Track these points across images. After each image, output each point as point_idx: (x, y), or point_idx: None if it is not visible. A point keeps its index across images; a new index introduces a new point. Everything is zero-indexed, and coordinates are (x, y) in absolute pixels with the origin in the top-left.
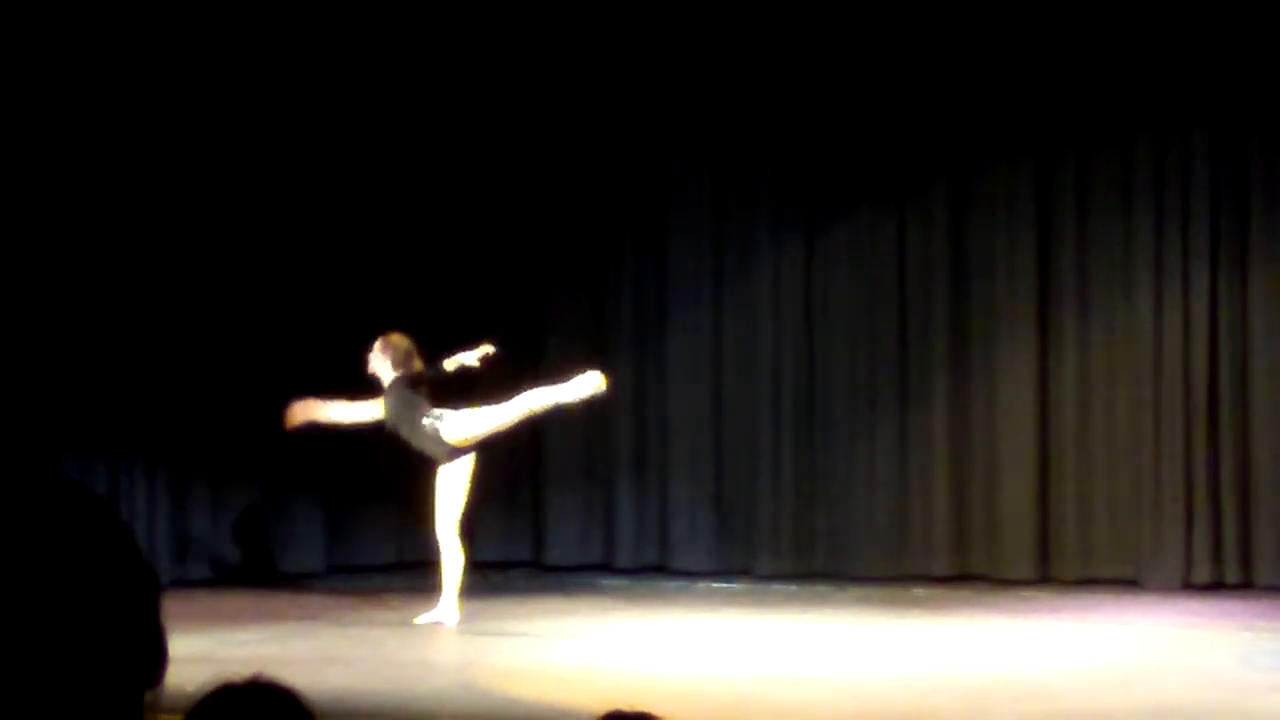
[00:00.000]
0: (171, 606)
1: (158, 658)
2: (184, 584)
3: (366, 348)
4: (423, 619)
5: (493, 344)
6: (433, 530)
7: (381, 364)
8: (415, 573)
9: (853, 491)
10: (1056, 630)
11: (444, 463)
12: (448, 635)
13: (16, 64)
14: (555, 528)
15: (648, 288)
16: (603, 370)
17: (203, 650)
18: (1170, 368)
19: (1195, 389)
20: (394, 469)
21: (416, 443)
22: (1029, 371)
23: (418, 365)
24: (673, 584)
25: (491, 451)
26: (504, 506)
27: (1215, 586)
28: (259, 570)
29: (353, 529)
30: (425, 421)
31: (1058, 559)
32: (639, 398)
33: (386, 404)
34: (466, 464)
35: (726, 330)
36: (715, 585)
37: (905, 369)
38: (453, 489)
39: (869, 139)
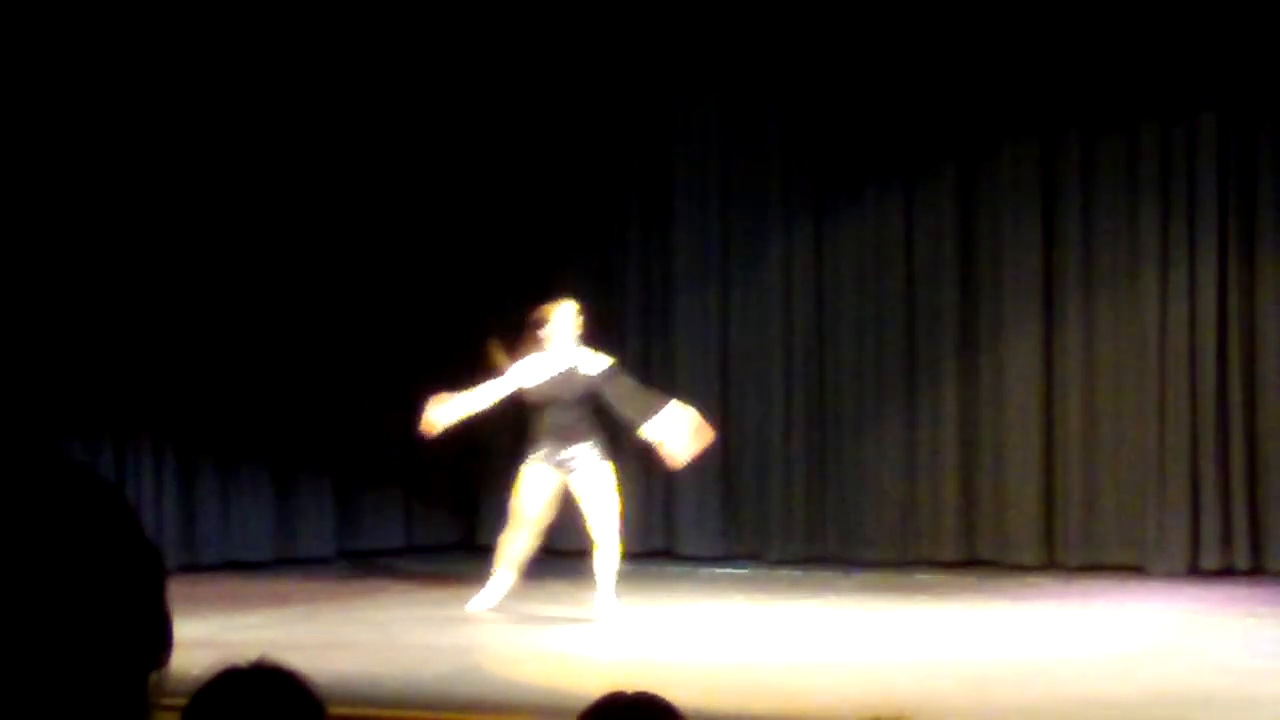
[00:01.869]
0: (178, 590)
1: (162, 641)
2: (191, 568)
3: (527, 313)
4: (601, 610)
5: (498, 325)
6: (583, 526)
7: (558, 331)
8: (424, 557)
9: (860, 476)
10: (1061, 616)
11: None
12: (454, 621)
13: (29, 50)
14: (562, 512)
15: (655, 270)
16: (610, 353)
17: (209, 634)
18: (1176, 352)
19: (1202, 374)
20: (404, 452)
21: (575, 413)
22: (1035, 357)
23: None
24: (678, 569)
25: (497, 436)
26: (508, 491)
27: (1223, 573)
28: (267, 554)
29: (362, 513)
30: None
31: (1063, 545)
32: (646, 380)
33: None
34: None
35: (734, 315)
36: (720, 570)
37: (913, 355)
38: (609, 484)
39: (877, 122)
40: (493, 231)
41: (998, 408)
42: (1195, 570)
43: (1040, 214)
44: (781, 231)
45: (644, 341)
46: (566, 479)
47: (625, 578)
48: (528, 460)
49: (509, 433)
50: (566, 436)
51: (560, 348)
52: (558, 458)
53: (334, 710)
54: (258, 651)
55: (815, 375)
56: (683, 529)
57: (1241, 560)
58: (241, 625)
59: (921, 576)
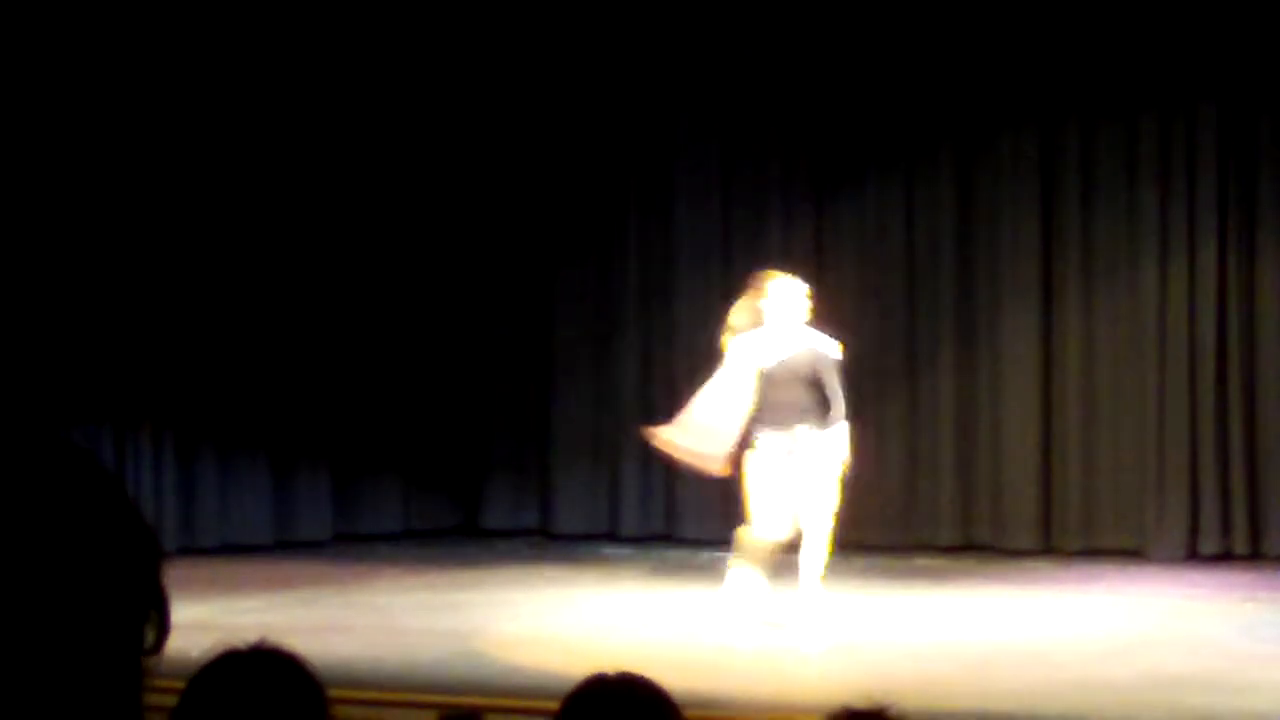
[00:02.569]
0: (178, 574)
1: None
2: (190, 551)
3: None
4: (801, 605)
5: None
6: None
7: (781, 306)
8: (422, 541)
9: (860, 462)
10: (1059, 600)
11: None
12: (452, 605)
13: (34, 43)
14: (562, 496)
15: (655, 257)
16: (610, 339)
17: (208, 617)
18: (1175, 338)
19: (1201, 359)
20: (401, 437)
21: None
22: (1034, 342)
23: None
24: (677, 553)
25: (502, 419)
26: (511, 475)
27: (1221, 558)
28: (265, 538)
29: (360, 497)
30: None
31: (1061, 530)
32: (646, 366)
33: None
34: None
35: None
36: (720, 555)
37: (912, 340)
38: (832, 474)
39: (876, 111)
40: (490, 224)
41: (996, 394)
42: (1194, 555)
43: (1039, 202)
44: (781, 219)
45: (643, 329)
46: (791, 463)
47: (625, 562)
48: (750, 450)
49: (508, 414)
50: (785, 421)
51: (785, 325)
52: (782, 444)
53: (334, 693)
54: (257, 635)
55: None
56: (682, 513)
57: (1240, 546)
58: (241, 609)
59: (920, 561)
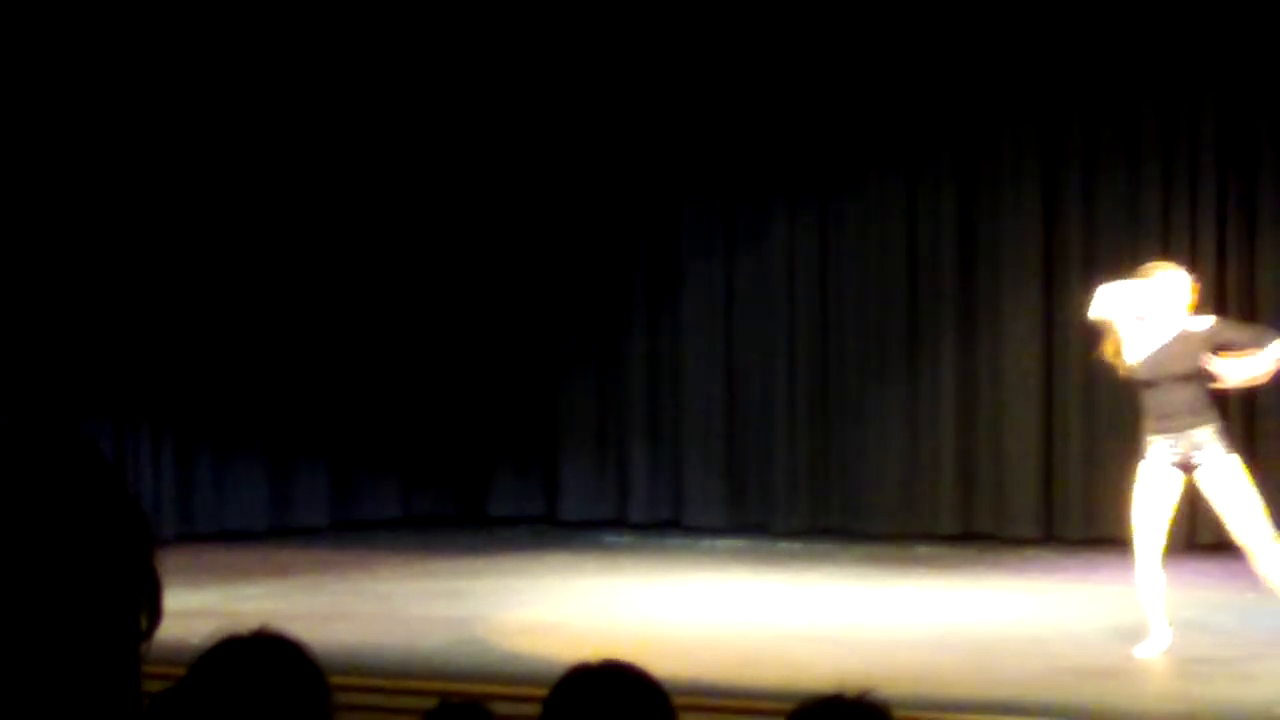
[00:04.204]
0: (177, 562)
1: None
2: (190, 538)
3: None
4: None
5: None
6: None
7: (1163, 299)
8: (421, 528)
9: (863, 451)
10: (1060, 589)
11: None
12: (454, 593)
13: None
14: (569, 483)
15: (662, 249)
16: (616, 327)
17: (208, 604)
18: None
19: None
20: (404, 424)
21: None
22: (1035, 334)
23: None
24: (681, 541)
25: (508, 407)
26: (517, 462)
27: (1221, 547)
28: (262, 524)
29: (359, 484)
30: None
31: (1062, 518)
32: (654, 356)
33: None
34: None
35: (739, 293)
36: (721, 543)
37: (915, 332)
38: (1240, 475)
39: (880, 103)
40: (498, 205)
41: (998, 384)
42: (1194, 545)
43: (1041, 194)
44: (786, 211)
45: (651, 318)
46: (1191, 477)
47: (630, 549)
48: (1142, 459)
49: (514, 401)
50: (1176, 424)
51: (1164, 319)
52: (1176, 453)
53: (335, 680)
54: (258, 622)
55: (819, 351)
56: (689, 501)
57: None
58: (242, 596)
59: (922, 549)
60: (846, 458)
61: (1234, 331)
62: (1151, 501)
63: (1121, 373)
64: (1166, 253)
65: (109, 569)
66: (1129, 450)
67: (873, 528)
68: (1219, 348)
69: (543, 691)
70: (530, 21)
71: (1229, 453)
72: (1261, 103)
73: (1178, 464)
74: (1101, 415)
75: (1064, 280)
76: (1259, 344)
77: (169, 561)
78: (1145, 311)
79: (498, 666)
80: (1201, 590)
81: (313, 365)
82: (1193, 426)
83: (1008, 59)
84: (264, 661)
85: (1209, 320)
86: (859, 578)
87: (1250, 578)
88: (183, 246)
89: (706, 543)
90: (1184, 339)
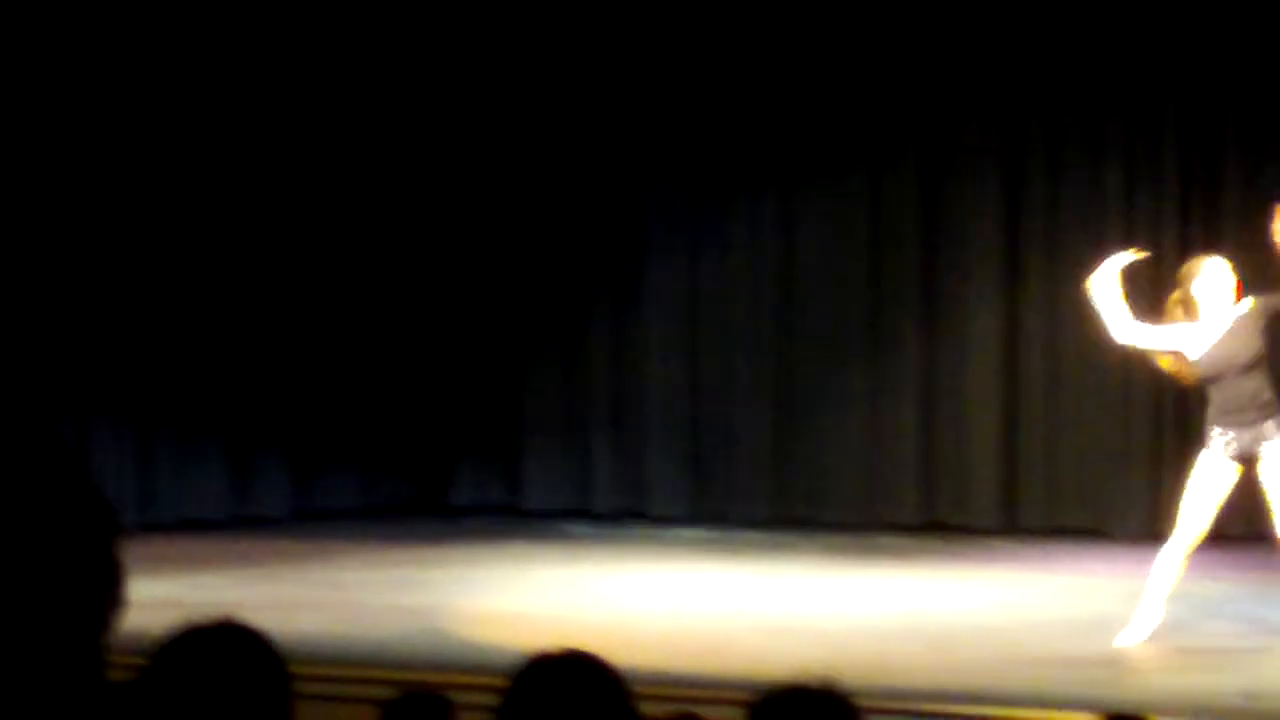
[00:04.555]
0: (138, 551)
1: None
2: (150, 528)
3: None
4: None
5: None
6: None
7: (1210, 292)
8: (382, 518)
9: (825, 441)
10: (1021, 579)
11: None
12: (416, 582)
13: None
14: (532, 473)
15: (626, 239)
16: (579, 319)
17: (169, 594)
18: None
19: None
20: (366, 413)
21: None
22: (998, 324)
23: None
24: (644, 531)
25: (472, 396)
26: (480, 452)
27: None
28: (224, 515)
29: (318, 474)
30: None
31: (1024, 508)
32: (617, 346)
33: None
34: None
35: (702, 283)
36: (684, 533)
37: (878, 322)
38: None
39: (841, 95)
40: (460, 195)
41: (960, 374)
42: (1156, 534)
43: (1003, 183)
44: (749, 202)
45: (615, 309)
46: (1255, 468)
47: (593, 539)
48: (1205, 448)
49: (478, 390)
50: (1244, 418)
51: (1214, 312)
52: (1237, 446)
53: (296, 669)
54: (219, 611)
55: (783, 341)
56: (653, 491)
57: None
58: (203, 585)
59: (884, 539)
60: (809, 448)
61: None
62: (1206, 492)
63: (1186, 380)
64: (1130, 239)
65: (72, 559)
66: (1091, 441)
67: (835, 517)
68: (1272, 320)
69: (503, 681)
70: (492, 17)
71: None
72: (1224, 98)
73: (1238, 455)
74: (1064, 405)
75: (1027, 269)
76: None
77: (129, 551)
78: (1193, 312)
79: (458, 656)
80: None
81: (273, 353)
82: (1261, 420)
83: (970, 54)
84: (225, 650)
85: (1248, 302)
86: (821, 567)
87: (1210, 568)
88: (141, 237)
89: (669, 532)
90: (1238, 327)
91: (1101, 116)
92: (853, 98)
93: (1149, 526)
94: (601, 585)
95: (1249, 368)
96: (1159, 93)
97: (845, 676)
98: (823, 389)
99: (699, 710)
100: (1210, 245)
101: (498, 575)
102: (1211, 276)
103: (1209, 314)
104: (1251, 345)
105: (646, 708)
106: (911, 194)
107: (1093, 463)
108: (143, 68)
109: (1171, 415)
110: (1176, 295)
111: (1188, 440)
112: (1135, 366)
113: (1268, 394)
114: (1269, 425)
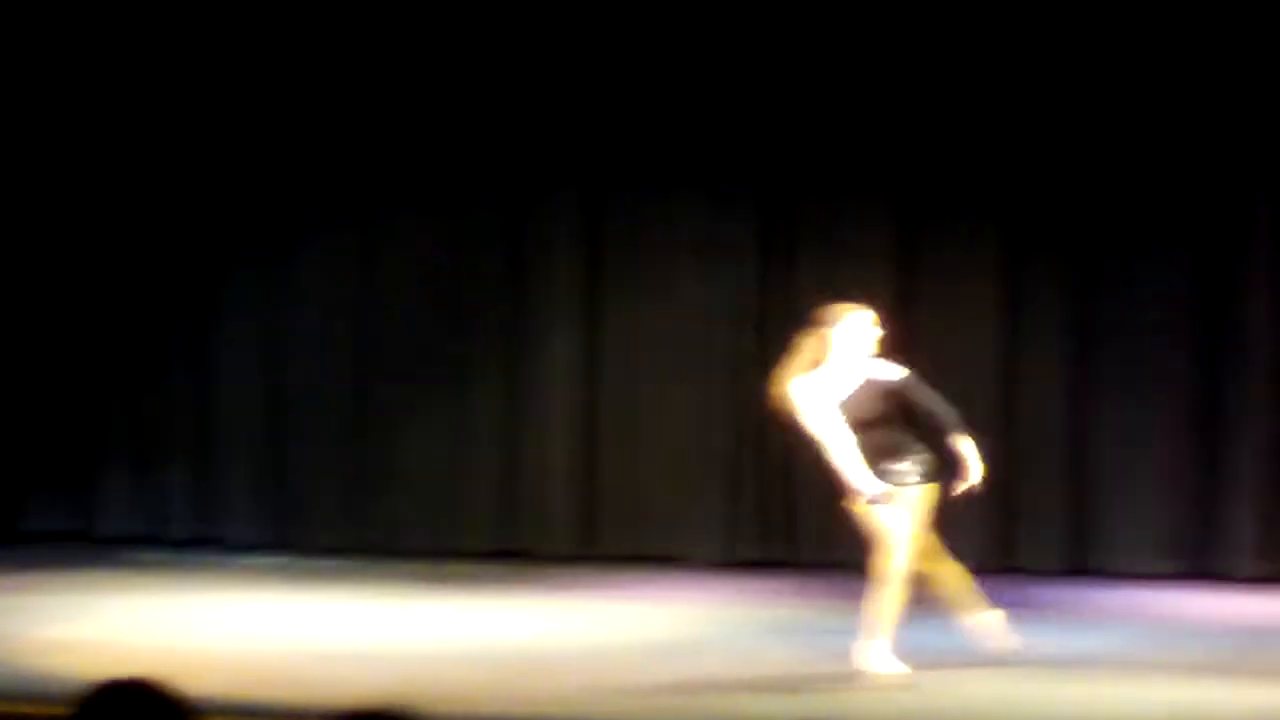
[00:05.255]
0: None
1: None
2: None
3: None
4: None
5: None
6: None
7: (848, 340)
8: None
9: (405, 468)
10: (598, 606)
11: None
12: None
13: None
14: (106, 500)
15: (201, 266)
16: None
17: None
18: (720, 352)
19: (742, 371)
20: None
21: None
22: (578, 352)
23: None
24: (218, 558)
25: (46, 422)
26: (53, 478)
27: (759, 564)
28: None
29: None
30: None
31: (603, 535)
32: (194, 372)
33: None
34: None
35: (281, 305)
36: (259, 559)
37: (459, 349)
38: (908, 513)
39: (427, 127)
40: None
41: (539, 401)
42: (733, 561)
43: (582, 215)
44: (329, 230)
45: (194, 333)
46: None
47: (164, 565)
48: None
49: (52, 417)
50: (879, 461)
51: (851, 359)
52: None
53: None
54: None
55: (362, 371)
56: (228, 517)
57: (777, 552)
58: None
59: (461, 567)
60: (389, 476)
61: (929, 396)
62: (904, 523)
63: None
64: (702, 266)
65: None
66: (670, 470)
67: (411, 544)
68: (903, 404)
69: (68, 710)
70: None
71: (911, 490)
72: (798, 132)
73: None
74: (644, 432)
75: (604, 300)
76: (944, 419)
77: None
78: (828, 356)
79: (25, 684)
80: (738, 606)
81: None
82: (887, 463)
83: (550, 81)
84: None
85: (900, 372)
86: (395, 595)
87: (783, 594)
88: None
89: (244, 559)
90: (870, 386)
91: (680, 150)
92: (437, 131)
93: (727, 553)
94: (172, 613)
95: (878, 422)
96: (738, 127)
97: (404, 702)
98: (404, 418)
99: None
100: (784, 275)
101: (66, 603)
102: (853, 326)
103: (842, 362)
104: (881, 403)
105: None
106: (493, 225)
107: (671, 491)
108: None
109: (749, 448)
110: (812, 335)
111: (764, 471)
112: (713, 401)
113: (893, 446)
114: (896, 469)
